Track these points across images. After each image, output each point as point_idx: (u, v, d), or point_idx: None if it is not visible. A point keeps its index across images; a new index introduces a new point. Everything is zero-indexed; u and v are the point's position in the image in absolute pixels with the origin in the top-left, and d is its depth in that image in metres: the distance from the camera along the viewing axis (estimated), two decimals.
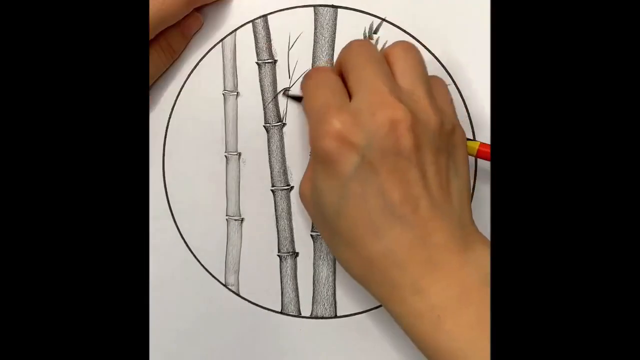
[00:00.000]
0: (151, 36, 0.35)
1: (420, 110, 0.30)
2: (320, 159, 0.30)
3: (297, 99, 0.37)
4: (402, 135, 0.29)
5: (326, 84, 0.32)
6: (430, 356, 0.29)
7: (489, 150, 0.33)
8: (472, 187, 0.37)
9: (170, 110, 0.38)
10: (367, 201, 0.29)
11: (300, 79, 0.37)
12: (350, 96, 0.31)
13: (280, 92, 0.38)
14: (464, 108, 0.37)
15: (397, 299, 0.29)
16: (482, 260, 0.29)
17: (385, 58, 0.32)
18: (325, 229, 0.32)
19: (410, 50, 0.32)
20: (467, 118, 0.37)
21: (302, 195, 0.34)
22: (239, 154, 0.38)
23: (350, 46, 0.33)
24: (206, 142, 0.38)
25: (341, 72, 0.33)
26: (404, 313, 0.29)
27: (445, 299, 0.28)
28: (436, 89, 0.33)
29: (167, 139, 0.38)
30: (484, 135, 0.37)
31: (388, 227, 0.29)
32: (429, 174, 0.30)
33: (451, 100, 0.33)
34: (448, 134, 0.31)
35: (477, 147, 0.33)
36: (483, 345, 0.27)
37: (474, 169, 0.37)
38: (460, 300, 0.28)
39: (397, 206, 0.29)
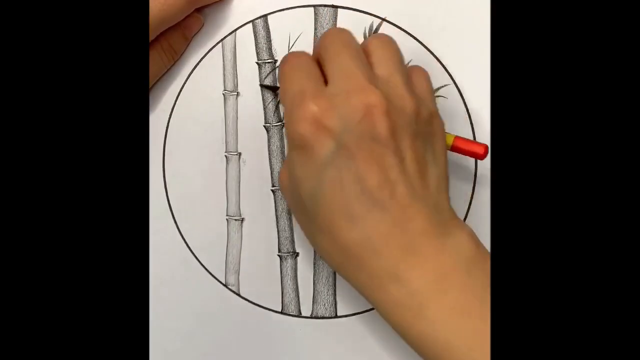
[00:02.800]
0: (152, 37, 0.35)
1: (396, 96, 0.30)
2: (296, 145, 0.30)
3: (272, 88, 0.37)
4: (377, 120, 0.29)
5: (302, 68, 0.31)
6: (412, 343, 0.29)
7: (462, 145, 0.33)
8: (471, 191, 0.37)
9: (170, 110, 0.38)
10: (343, 187, 0.29)
11: None
12: (326, 82, 0.31)
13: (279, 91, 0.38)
14: (464, 107, 0.37)
15: (375, 287, 0.29)
16: (461, 245, 0.29)
17: (362, 50, 0.32)
18: (303, 216, 0.32)
19: (387, 41, 0.32)
20: (467, 117, 0.37)
21: (280, 183, 0.33)
22: (239, 154, 0.38)
23: (328, 33, 0.32)
24: (206, 142, 0.38)
25: (318, 59, 0.32)
26: (383, 301, 0.29)
27: (425, 285, 0.28)
28: (416, 78, 0.32)
29: (167, 139, 0.38)
30: (484, 134, 0.37)
31: (365, 213, 0.28)
32: (406, 159, 0.29)
33: (431, 89, 0.33)
34: (425, 120, 0.30)
35: (452, 141, 0.33)
36: (466, 331, 0.27)
37: (473, 172, 0.37)
38: (440, 285, 0.28)
39: (373, 191, 0.28)
